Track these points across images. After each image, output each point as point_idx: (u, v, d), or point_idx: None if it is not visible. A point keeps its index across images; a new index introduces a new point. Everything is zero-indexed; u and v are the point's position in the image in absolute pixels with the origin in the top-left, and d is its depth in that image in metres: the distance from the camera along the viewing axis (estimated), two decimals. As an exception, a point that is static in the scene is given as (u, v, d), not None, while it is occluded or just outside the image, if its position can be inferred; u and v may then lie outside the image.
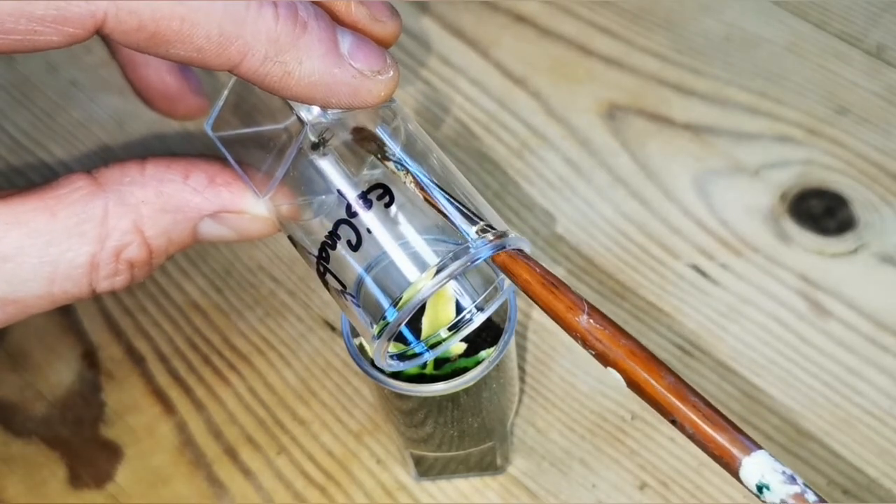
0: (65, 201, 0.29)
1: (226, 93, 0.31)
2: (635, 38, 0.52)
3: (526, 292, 0.29)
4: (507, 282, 0.32)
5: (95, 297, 0.31)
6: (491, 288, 0.33)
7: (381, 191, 0.29)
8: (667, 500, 0.40)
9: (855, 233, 0.46)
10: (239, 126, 0.31)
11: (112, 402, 0.44)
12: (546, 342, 0.44)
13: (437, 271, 0.28)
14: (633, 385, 0.27)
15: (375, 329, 0.30)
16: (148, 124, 0.51)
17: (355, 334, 0.34)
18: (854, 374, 0.42)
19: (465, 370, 0.33)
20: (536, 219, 0.47)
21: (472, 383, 0.33)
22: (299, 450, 0.42)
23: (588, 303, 0.28)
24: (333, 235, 0.30)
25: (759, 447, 0.25)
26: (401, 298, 0.29)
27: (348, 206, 0.29)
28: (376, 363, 0.31)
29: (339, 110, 0.30)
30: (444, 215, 0.29)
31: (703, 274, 0.45)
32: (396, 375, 0.34)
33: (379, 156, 0.30)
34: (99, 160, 0.50)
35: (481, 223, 0.29)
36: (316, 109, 0.30)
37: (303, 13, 0.28)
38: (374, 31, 0.30)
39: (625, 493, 0.40)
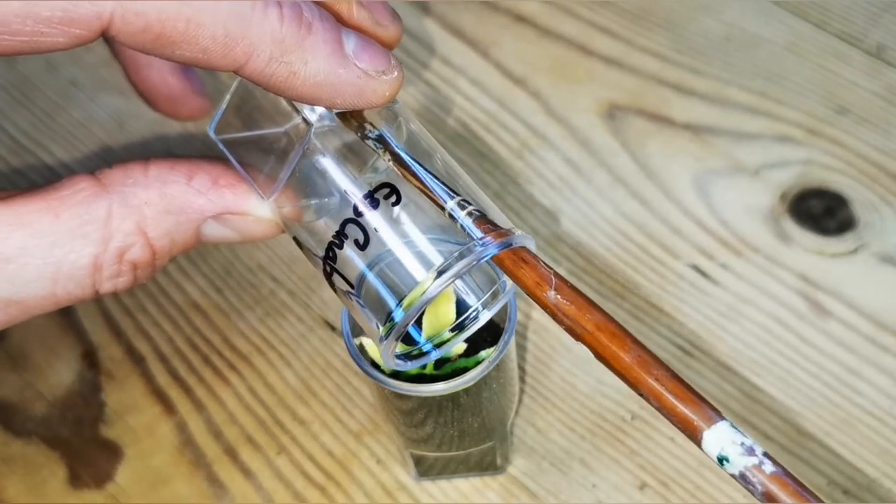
0: (68, 202, 0.29)
1: (228, 96, 0.31)
2: (635, 38, 0.52)
3: (499, 267, 0.29)
4: (510, 282, 0.32)
5: (97, 298, 0.31)
6: (496, 286, 0.33)
7: (387, 190, 0.29)
8: (667, 500, 0.40)
9: (855, 233, 0.46)
10: (241, 129, 0.31)
11: (112, 402, 0.44)
12: (546, 342, 0.44)
13: (443, 271, 0.28)
14: (601, 359, 0.27)
15: (382, 329, 0.30)
16: (148, 124, 0.51)
17: (355, 334, 0.34)
18: (854, 374, 0.42)
19: (465, 370, 0.33)
20: (536, 219, 0.47)
21: (472, 383, 0.33)
22: (299, 450, 0.42)
23: (557, 276, 0.28)
24: (341, 235, 0.30)
25: (723, 418, 0.25)
26: (408, 299, 0.29)
27: (355, 206, 0.29)
28: (384, 363, 0.31)
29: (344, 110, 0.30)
30: (428, 195, 0.29)
31: (703, 274, 0.45)
32: (396, 375, 0.34)
33: (359, 134, 0.30)
34: (99, 160, 0.50)
35: (470, 207, 0.29)
36: (320, 109, 0.30)
37: (307, 14, 0.28)
38: (377, 34, 0.30)
39: (625, 493, 0.40)
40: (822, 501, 0.24)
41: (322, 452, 0.42)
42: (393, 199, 0.29)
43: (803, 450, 0.41)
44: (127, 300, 0.46)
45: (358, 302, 0.30)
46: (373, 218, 0.29)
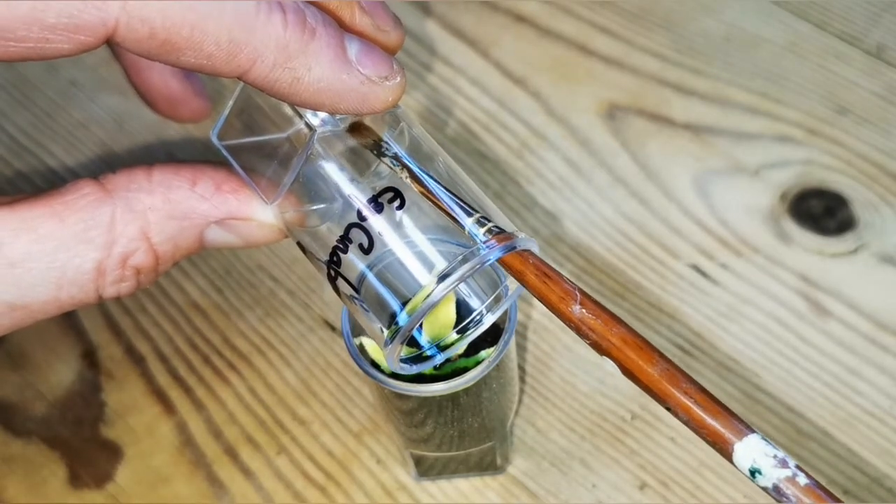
0: (72, 207, 0.29)
1: (231, 102, 0.31)
2: (635, 38, 0.52)
3: (520, 282, 0.29)
4: (512, 285, 0.32)
5: (100, 302, 0.31)
6: (499, 290, 0.33)
7: (391, 194, 0.29)
8: (667, 500, 0.40)
9: (855, 233, 0.46)
10: (244, 134, 0.31)
11: (112, 402, 0.44)
12: (546, 342, 0.44)
13: (447, 274, 0.28)
14: (628, 373, 0.27)
15: (387, 333, 0.30)
16: (148, 124, 0.51)
17: (355, 334, 0.34)
18: (854, 374, 0.42)
19: (465, 370, 0.33)
20: (536, 219, 0.47)
21: (472, 383, 0.33)
22: (299, 450, 0.42)
23: (581, 291, 0.28)
24: (345, 239, 0.30)
25: (753, 431, 0.25)
26: (412, 303, 0.29)
27: (359, 210, 0.29)
28: (389, 367, 0.31)
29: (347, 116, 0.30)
30: (447, 212, 0.29)
31: (703, 274, 0.45)
32: (396, 375, 0.34)
33: (375, 151, 0.30)
34: (99, 160, 0.50)
35: (489, 224, 0.29)
36: (323, 114, 0.30)
37: (311, 19, 0.28)
38: (379, 40, 0.30)
39: (625, 493, 0.40)
40: None
41: (322, 452, 0.42)
42: (397, 203, 0.29)
43: (803, 450, 0.41)
44: (127, 300, 0.46)
45: (362, 306, 0.30)
46: (377, 222, 0.29)
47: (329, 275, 0.31)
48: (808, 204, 0.47)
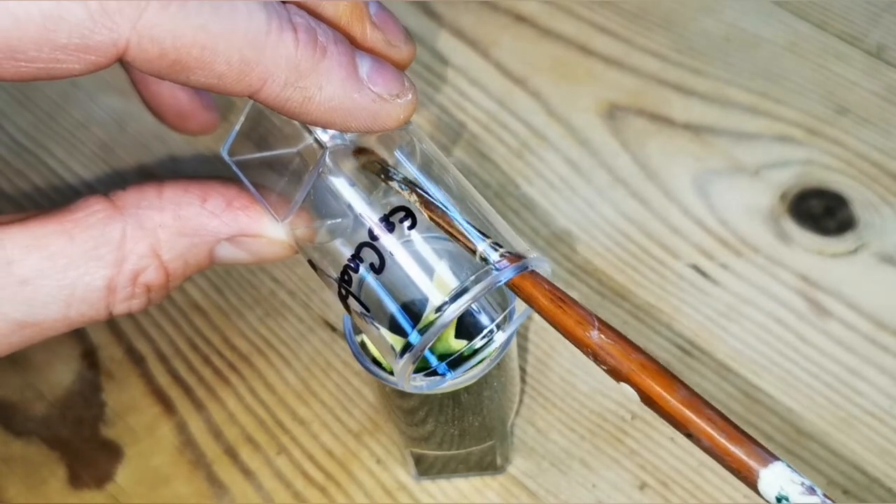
0: (82, 224, 0.29)
1: (242, 118, 0.31)
2: (635, 38, 0.52)
3: (532, 306, 0.29)
4: (521, 305, 0.32)
5: (110, 319, 0.31)
6: (511, 306, 0.33)
7: (403, 213, 0.29)
8: (667, 500, 0.40)
9: (855, 233, 0.46)
10: (255, 149, 0.31)
11: (112, 402, 0.44)
12: (546, 342, 0.44)
13: (460, 294, 0.28)
14: (647, 399, 0.27)
15: (399, 351, 0.30)
16: (149, 125, 0.51)
17: (357, 331, 0.34)
18: (854, 374, 0.42)
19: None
20: (536, 219, 0.47)
21: (473, 381, 0.33)
22: (299, 450, 0.42)
23: (597, 317, 0.28)
24: (356, 258, 0.30)
25: (777, 458, 0.25)
26: (424, 321, 0.29)
27: (370, 230, 0.29)
28: (400, 385, 0.31)
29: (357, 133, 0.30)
30: (457, 237, 0.29)
31: (703, 274, 0.45)
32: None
33: (382, 176, 0.30)
34: (99, 160, 0.50)
35: (501, 249, 0.29)
36: (333, 131, 0.30)
37: (322, 38, 0.28)
38: (390, 55, 0.30)
39: (625, 493, 0.40)
40: None
41: (322, 452, 0.42)
42: (408, 222, 0.29)
43: (803, 450, 0.41)
44: (127, 300, 0.46)
45: (373, 325, 0.30)
46: (388, 242, 0.29)
47: (340, 293, 0.31)
48: (808, 204, 0.47)
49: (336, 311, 0.45)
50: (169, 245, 0.30)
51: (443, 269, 0.30)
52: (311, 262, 0.31)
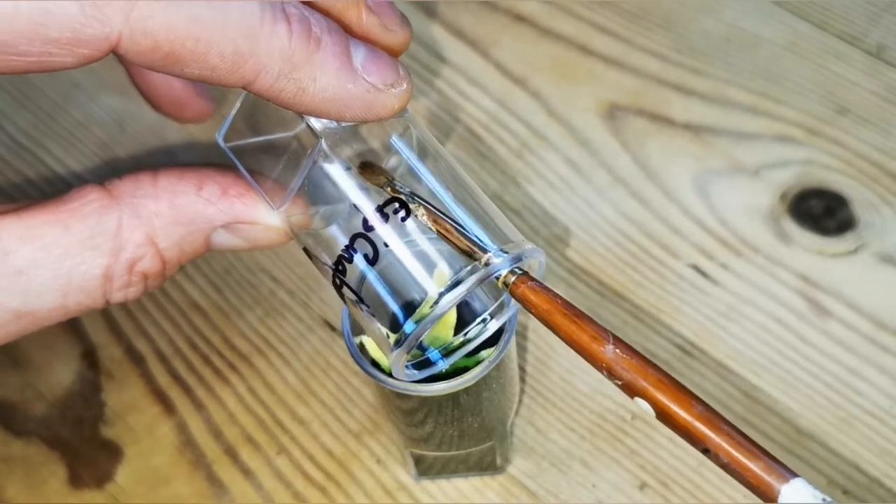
0: (78, 214, 0.29)
1: (238, 104, 0.31)
2: (635, 38, 0.52)
3: (546, 323, 0.28)
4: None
5: (107, 307, 0.31)
6: (503, 297, 0.33)
7: (396, 205, 0.29)
8: (667, 500, 0.40)
9: (855, 233, 0.46)
10: (250, 135, 0.31)
11: (112, 402, 0.44)
12: (546, 342, 0.44)
13: (455, 285, 0.28)
14: (663, 415, 0.26)
15: (392, 340, 0.30)
16: (149, 125, 0.51)
17: (356, 333, 0.34)
18: (854, 374, 0.42)
19: (465, 370, 0.33)
20: (536, 219, 0.47)
21: (472, 383, 0.33)
22: (299, 450, 0.42)
23: (611, 332, 0.28)
24: (350, 249, 0.30)
25: (796, 475, 0.25)
26: (419, 312, 0.29)
27: (364, 220, 0.29)
28: (393, 374, 0.31)
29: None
30: (461, 249, 0.29)
31: (703, 274, 0.45)
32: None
33: (388, 189, 0.30)
34: (99, 160, 0.50)
35: (490, 254, 0.29)
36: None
37: (316, 28, 0.27)
38: (386, 40, 0.30)
39: (625, 493, 0.40)
40: None
41: (322, 452, 0.42)
42: (402, 213, 0.29)
43: (803, 450, 0.41)
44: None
45: (368, 314, 0.30)
46: (383, 232, 0.29)
47: (335, 282, 0.31)
48: (808, 204, 0.47)
49: (335, 310, 0.45)
50: (165, 233, 0.30)
51: (439, 259, 0.30)
52: (305, 250, 0.31)
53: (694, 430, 0.26)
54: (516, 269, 0.29)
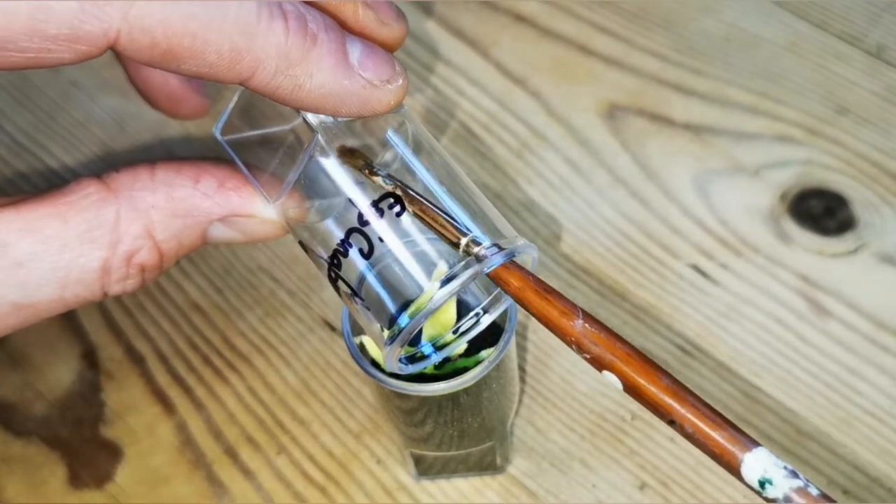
0: (76, 207, 0.29)
1: (235, 97, 0.31)
2: (635, 38, 0.52)
3: (518, 300, 0.29)
4: None
5: (105, 299, 0.31)
6: (497, 290, 0.33)
7: (391, 200, 0.30)
8: (667, 500, 0.40)
9: (855, 233, 0.46)
10: (247, 129, 0.31)
11: (112, 402, 0.44)
12: (546, 342, 0.44)
13: (449, 279, 0.29)
14: (630, 388, 0.27)
15: (387, 335, 0.30)
16: (148, 124, 0.51)
17: (355, 333, 0.34)
18: (854, 374, 0.42)
19: (465, 370, 0.33)
20: (536, 219, 0.47)
21: (472, 383, 0.33)
22: (299, 450, 0.42)
23: (582, 309, 0.28)
24: (345, 243, 0.30)
25: (759, 444, 0.25)
26: (413, 306, 0.29)
27: (360, 215, 0.29)
28: (387, 368, 0.31)
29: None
30: (437, 230, 0.29)
31: (703, 274, 0.45)
32: (396, 374, 0.34)
33: (366, 171, 0.30)
34: (99, 160, 0.50)
35: (485, 242, 0.29)
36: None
37: (312, 25, 0.28)
38: (382, 35, 0.30)
39: (625, 493, 0.40)
40: None
41: (322, 452, 0.42)
42: (397, 209, 0.30)
43: (803, 450, 0.41)
44: (127, 300, 0.46)
45: (363, 307, 0.31)
46: (378, 227, 0.29)
47: (330, 276, 0.31)
48: (808, 204, 0.47)
49: (335, 310, 0.45)
50: (162, 226, 0.30)
51: (433, 254, 0.30)
52: (301, 243, 0.32)
53: (660, 402, 0.26)
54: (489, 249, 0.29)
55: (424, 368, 0.33)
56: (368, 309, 0.30)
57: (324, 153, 0.30)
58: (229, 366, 0.44)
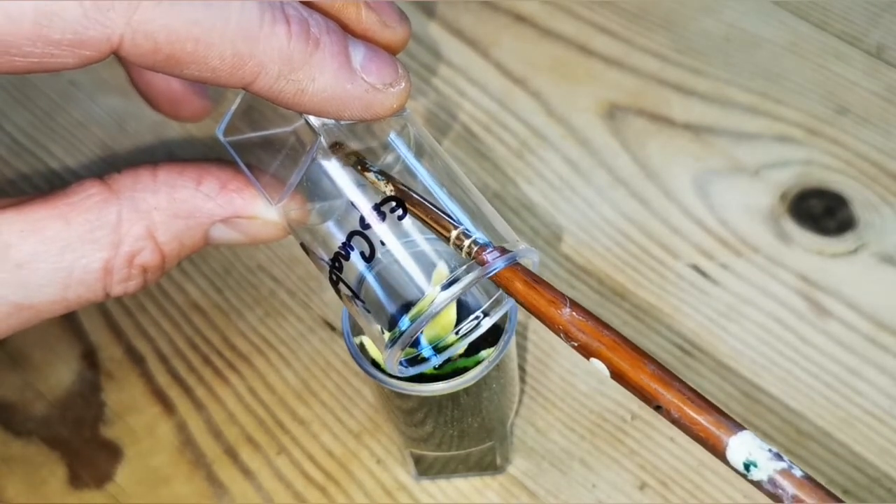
0: (78, 208, 0.29)
1: (238, 99, 0.31)
2: (635, 38, 0.52)
3: (506, 289, 0.29)
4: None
5: (106, 300, 0.31)
6: (499, 292, 0.33)
7: (393, 203, 0.30)
8: (667, 500, 0.40)
9: (855, 233, 0.46)
10: (249, 130, 0.32)
11: (112, 402, 0.44)
12: (546, 342, 0.44)
13: (451, 283, 0.29)
14: (617, 374, 0.27)
15: (388, 337, 0.30)
16: (149, 125, 0.51)
17: (356, 333, 0.34)
18: (854, 374, 0.42)
19: (465, 370, 0.33)
20: (536, 219, 0.47)
21: (472, 383, 0.33)
22: (299, 450, 0.42)
23: (570, 298, 0.28)
24: (347, 246, 0.30)
25: (744, 427, 0.26)
26: (415, 309, 0.29)
27: (361, 218, 0.29)
28: (387, 370, 0.31)
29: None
30: (431, 227, 0.29)
31: (703, 274, 0.45)
32: (396, 375, 0.34)
33: (358, 168, 0.30)
34: (99, 160, 0.50)
35: (474, 236, 0.29)
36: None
37: (315, 29, 0.28)
38: (385, 37, 0.30)
39: (625, 493, 0.40)
40: None
41: (322, 452, 0.42)
42: (399, 212, 0.30)
43: (803, 450, 0.41)
44: (127, 300, 0.46)
45: (364, 310, 0.31)
46: (379, 231, 0.29)
47: (331, 278, 0.31)
48: (808, 204, 0.47)
49: (335, 310, 0.45)
50: (164, 227, 0.30)
51: (435, 258, 0.30)
52: (303, 245, 0.32)
53: (646, 387, 0.27)
54: (479, 240, 0.29)
55: (427, 370, 0.33)
56: (369, 311, 0.31)
57: (326, 155, 0.30)
58: (229, 366, 0.44)
